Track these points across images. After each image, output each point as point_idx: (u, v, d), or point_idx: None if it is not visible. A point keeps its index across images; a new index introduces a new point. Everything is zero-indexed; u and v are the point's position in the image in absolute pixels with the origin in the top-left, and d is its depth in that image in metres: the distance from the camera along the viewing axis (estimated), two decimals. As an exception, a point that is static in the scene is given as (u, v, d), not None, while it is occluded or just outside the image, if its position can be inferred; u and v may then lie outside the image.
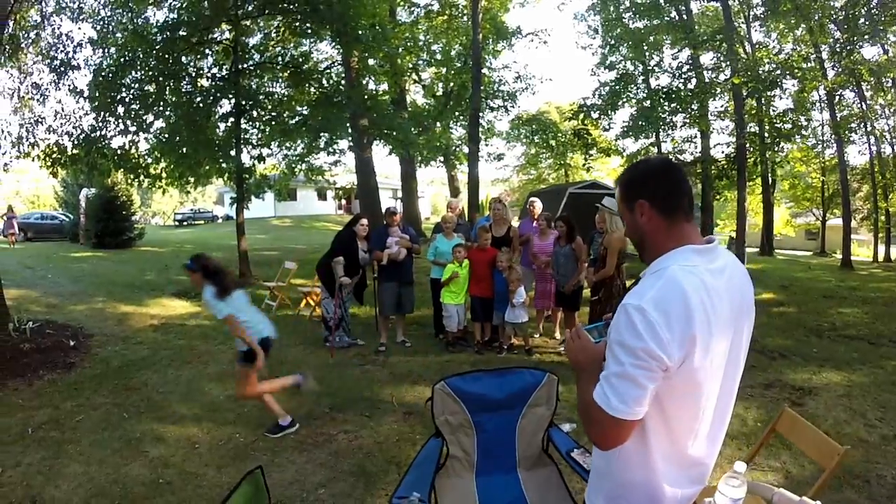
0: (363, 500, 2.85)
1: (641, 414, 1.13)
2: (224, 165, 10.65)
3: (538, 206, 6.61)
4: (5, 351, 4.77)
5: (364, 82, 14.04)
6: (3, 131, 7.90)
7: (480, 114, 18.46)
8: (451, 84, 19.75)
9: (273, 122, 11.36)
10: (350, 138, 13.29)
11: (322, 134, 11.60)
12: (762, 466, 3.27)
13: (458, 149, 21.13)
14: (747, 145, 10.48)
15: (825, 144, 17.29)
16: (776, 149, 11.62)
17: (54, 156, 8.89)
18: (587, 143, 13.86)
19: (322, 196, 35.90)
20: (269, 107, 11.46)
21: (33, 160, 8.52)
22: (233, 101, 10.36)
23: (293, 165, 12.65)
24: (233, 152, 10.48)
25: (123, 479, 3.11)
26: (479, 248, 5.66)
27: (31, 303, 7.10)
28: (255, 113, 11.08)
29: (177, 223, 35.85)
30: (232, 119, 10.52)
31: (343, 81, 13.13)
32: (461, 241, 5.80)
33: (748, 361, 5.05)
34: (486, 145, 19.25)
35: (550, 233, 5.92)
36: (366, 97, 12.40)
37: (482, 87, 17.71)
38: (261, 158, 11.36)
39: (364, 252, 5.78)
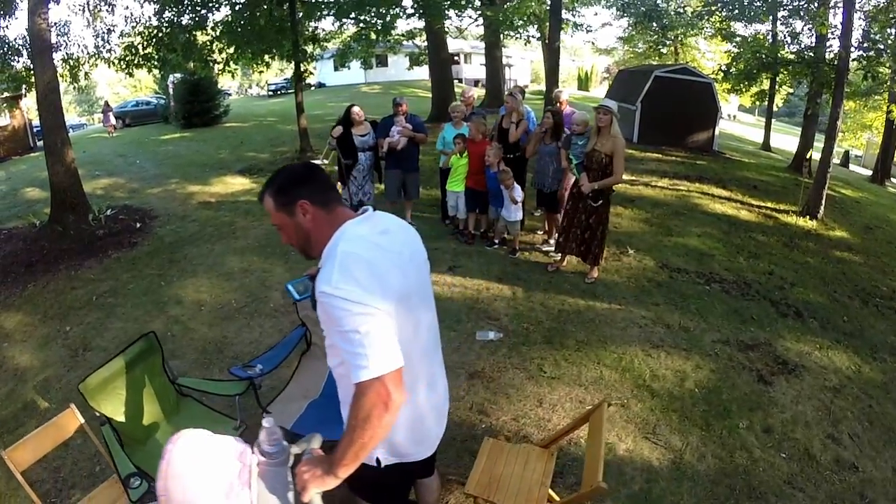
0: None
1: (402, 358, 1.24)
2: (286, 50, 11.30)
3: (564, 96, 6.70)
4: (84, 237, 6.15)
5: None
6: (79, 46, 8.97)
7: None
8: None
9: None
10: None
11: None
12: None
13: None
14: (864, 53, 8.28)
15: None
16: None
17: (127, 58, 9.93)
18: (664, 26, 12.03)
19: (415, 62, 34.58)
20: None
21: (109, 66, 9.57)
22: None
23: (372, 35, 12.91)
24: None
25: (144, 330, 4.22)
26: (471, 140, 5.69)
27: (118, 189, 8.62)
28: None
29: (270, 93, 37.40)
30: (287, 4, 10.87)
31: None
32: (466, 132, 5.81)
33: (749, 311, 5.02)
34: (574, 15, 17.10)
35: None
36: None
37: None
38: (314, 39, 11.86)
39: (362, 137, 6.11)
